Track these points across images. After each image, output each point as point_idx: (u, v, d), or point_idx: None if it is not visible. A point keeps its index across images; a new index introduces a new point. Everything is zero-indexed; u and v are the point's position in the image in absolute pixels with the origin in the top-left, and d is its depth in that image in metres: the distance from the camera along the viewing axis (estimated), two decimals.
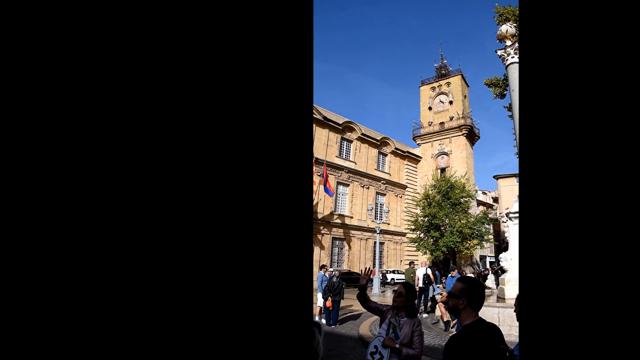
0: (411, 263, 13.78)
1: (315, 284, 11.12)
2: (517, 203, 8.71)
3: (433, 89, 36.71)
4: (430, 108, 36.21)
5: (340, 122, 28.43)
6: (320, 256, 24.33)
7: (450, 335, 8.36)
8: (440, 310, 9.61)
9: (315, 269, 21.42)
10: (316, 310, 10.43)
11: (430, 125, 35.29)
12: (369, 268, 3.27)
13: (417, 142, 35.82)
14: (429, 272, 11.66)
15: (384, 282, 24.39)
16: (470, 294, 1.90)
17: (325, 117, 27.00)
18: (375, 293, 18.26)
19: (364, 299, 3.15)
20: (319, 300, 10.35)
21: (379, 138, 31.59)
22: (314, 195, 23.52)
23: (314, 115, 26.01)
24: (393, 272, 26.87)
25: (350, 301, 12.92)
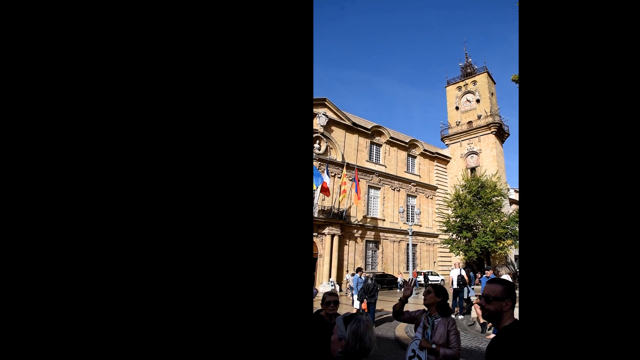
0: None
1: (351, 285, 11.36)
2: None
3: (459, 88, 36.34)
4: (457, 108, 35.83)
5: (369, 127, 28.75)
6: (354, 259, 24.63)
7: (487, 337, 8.09)
8: (476, 311, 9.38)
9: (347, 271, 21.70)
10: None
11: (458, 125, 34.89)
12: (413, 280, 3.13)
13: (446, 143, 35.48)
14: (463, 273, 11.67)
15: (426, 283, 24.08)
16: (512, 295, 1.81)
17: (354, 123, 27.37)
18: (412, 295, 18.08)
19: (399, 312, 3.07)
20: (355, 303, 10.56)
21: (407, 140, 31.63)
22: (349, 199, 23.78)
23: (344, 122, 26.52)
24: (427, 273, 26.67)
25: (385, 303, 13.15)
